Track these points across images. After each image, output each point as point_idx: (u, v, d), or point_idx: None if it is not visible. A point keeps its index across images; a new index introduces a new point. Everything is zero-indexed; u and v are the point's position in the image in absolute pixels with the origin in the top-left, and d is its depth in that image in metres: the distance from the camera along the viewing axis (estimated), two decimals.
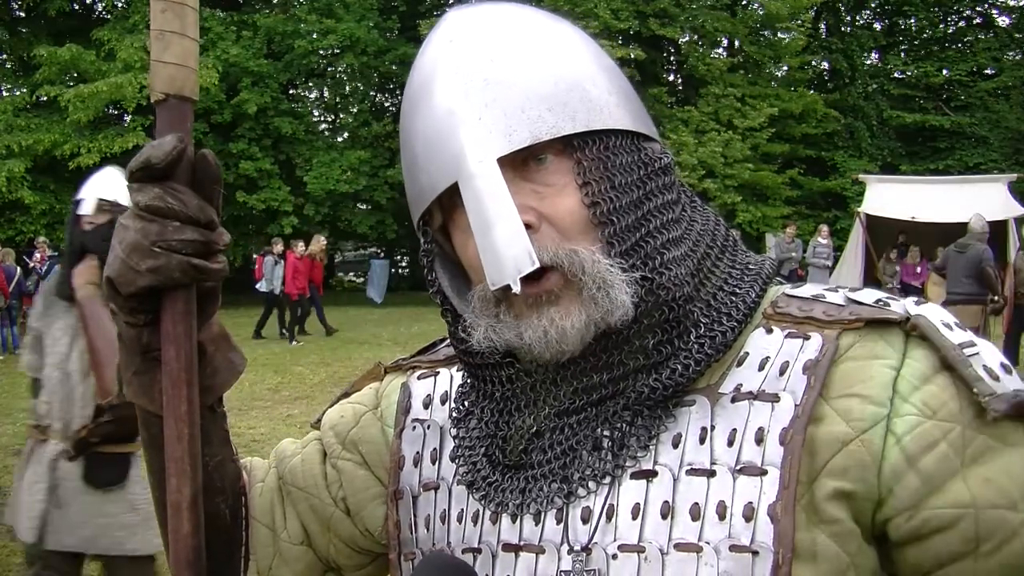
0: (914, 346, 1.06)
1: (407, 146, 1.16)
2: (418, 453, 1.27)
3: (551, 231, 1.08)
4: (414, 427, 1.29)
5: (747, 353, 1.11)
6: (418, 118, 1.13)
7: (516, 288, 1.04)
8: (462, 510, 1.19)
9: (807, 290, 1.17)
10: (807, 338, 1.08)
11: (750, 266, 1.19)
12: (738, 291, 1.15)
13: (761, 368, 1.08)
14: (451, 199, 1.11)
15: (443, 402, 1.30)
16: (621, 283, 1.06)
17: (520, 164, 1.08)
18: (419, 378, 1.35)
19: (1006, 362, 1.05)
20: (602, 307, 1.06)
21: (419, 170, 1.13)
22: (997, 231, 20.26)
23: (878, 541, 1.05)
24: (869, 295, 1.13)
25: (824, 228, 21.64)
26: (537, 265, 1.04)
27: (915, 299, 1.12)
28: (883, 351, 1.05)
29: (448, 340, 1.34)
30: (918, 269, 21.75)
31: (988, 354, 1.05)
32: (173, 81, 1.08)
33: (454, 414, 1.26)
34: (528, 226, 1.06)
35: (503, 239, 1.04)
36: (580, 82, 1.11)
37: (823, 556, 1.00)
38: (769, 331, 1.12)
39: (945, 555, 1.01)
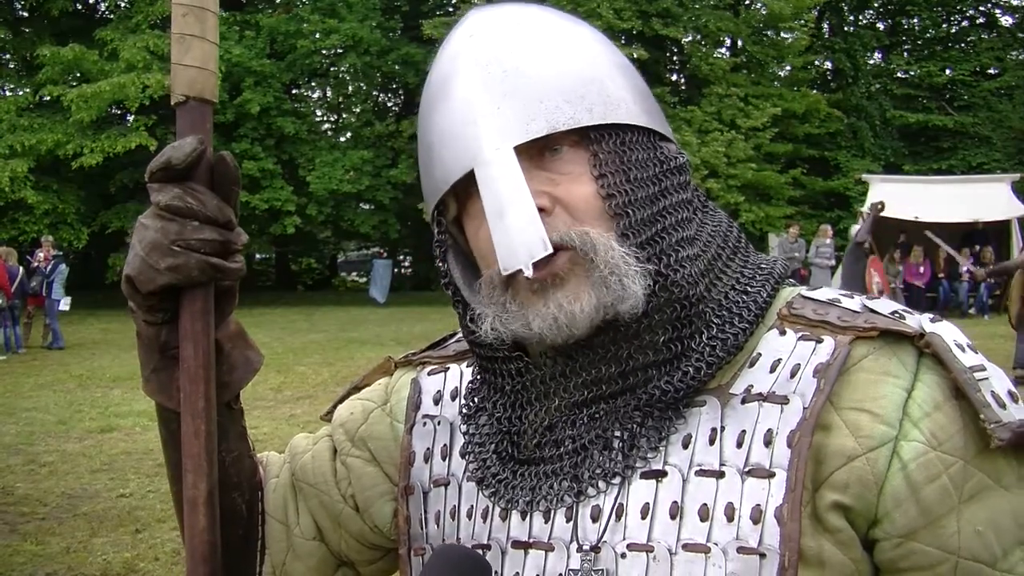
0: (925, 368, 1.05)
1: (424, 138, 1.17)
2: (428, 449, 1.28)
3: (564, 215, 1.09)
4: (424, 423, 1.30)
5: (759, 354, 1.11)
6: (437, 110, 1.14)
7: (528, 272, 1.05)
8: (472, 506, 1.20)
9: (823, 293, 1.16)
10: (820, 341, 1.08)
11: (762, 266, 1.20)
12: (749, 291, 1.15)
13: (772, 370, 1.08)
14: (466, 189, 1.11)
15: (453, 398, 1.31)
16: (635, 273, 1.06)
17: (536, 154, 1.09)
18: (429, 374, 1.35)
19: (1014, 390, 1.05)
20: (614, 292, 1.06)
21: (435, 160, 1.14)
22: (1000, 231, 20.30)
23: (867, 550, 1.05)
24: (886, 305, 1.12)
25: (827, 228, 21.62)
26: (551, 251, 1.04)
27: (931, 316, 1.11)
28: (896, 369, 1.05)
29: (457, 336, 1.36)
30: (921, 269, 21.75)
31: (997, 380, 1.05)
32: (193, 84, 1.09)
33: (464, 410, 1.27)
34: (541, 210, 1.06)
35: (517, 224, 1.05)
36: (598, 77, 1.12)
37: (830, 563, 1.01)
38: (782, 333, 1.12)
39: None
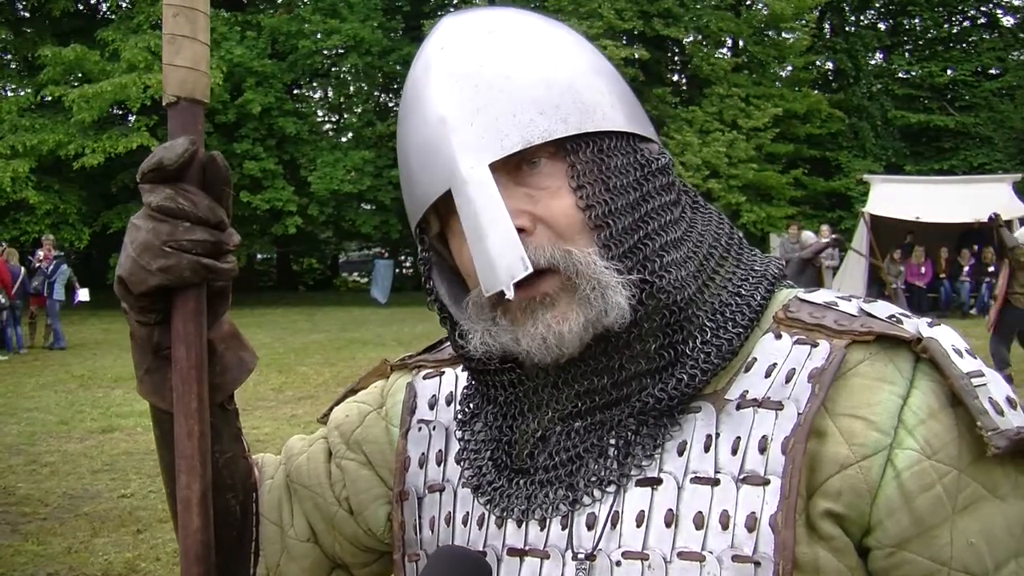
0: (922, 375, 1.04)
1: (403, 155, 1.16)
2: (423, 454, 1.27)
3: (546, 232, 1.07)
4: (419, 428, 1.29)
5: (755, 359, 1.09)
6: (412, 126, 1.12)
7: (510, 294, 1.03)
8: (467, 513, 1.19)
9: (820, 296, 1.15)
10: (815, 345, 1.07)
11: (755, 268, 1.18)
12: (743, 293, 1.14)
13: (768, 375, 1.07)
14: (447, 206, 1.10)
15: (448, 403, 1.30)
16: (617, 285, 1.05)
17: (513, 168, 1.07)
18: (425, 378, 1.35)
19: (1012, 395, 1.04)
20: (596, 308, 1.04)
21: (414, 178, 1.13)
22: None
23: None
24: (883, 309, 1.11)
25: (826, 228, 21.57)
26: (530, 270, 1.03)
27: (928, 320, 1.09)
28: (891, 375, 1.04)
29: None
30: (922, 269, 21.74)
31: (995, 386, 1.03)
32: (184, 84, 1.09)
33: (459, 416, 1.26)
34: (522, 230, 1.05)
35: (496, 245, 1.03)
36: (573, 84, 1.09)
37: (825, 570, 1.00)
38: (778, 336, 1.10)
39: None
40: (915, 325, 1.07)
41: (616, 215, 1.08)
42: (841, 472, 1.01)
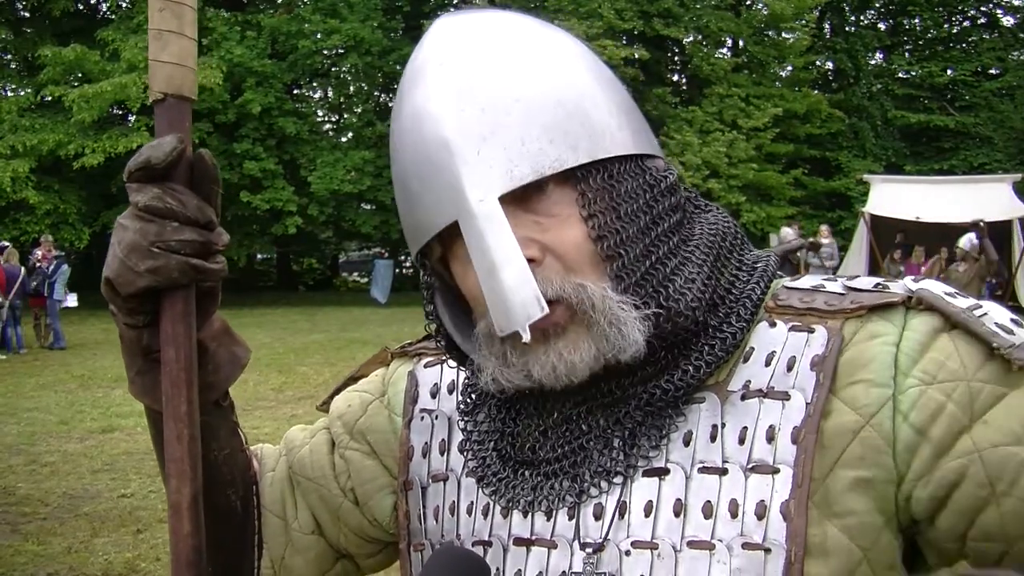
0: (912, 316, 1.05)
1: (399, 176, 1.12)
2: (426, 444, 1.27)
3: (555, 264, 1.05)
4: (422, 417, 1.29)
5: (752, 348, 1.10)
6: (410, 147, 1.09)
7: (526, 337, 1.01)
8: (471, 503, 1.19)
9: (806, 281, 1.15)
10: (811, 331, 1.08)
11: (757, 264, 1.18)
12: (745, 288, 1.14)
13: (768, 363, 1.08)
14: (450, 231, 1.06)
15: (450, 391, 1.29)
16: (634, 320, 1.03)
17: (520, 194, 1.04)
18: (426, 366, 1.34)
19: (1016, 316, 1.06)
20: (614, 344, 1.03)
21: (415, 203, 1.09)
22: (1001, 231, 20.27)
23: (908, 530, 1.04)
24: (867, 281, 1.12)
25: (824, 228, 21.55)
26: (547, 311, 1.01)
27: (912, 277, 1.12)
28: (883, 329, 1.05)
29: None
30: (923, 269, 21.71)
31: (996, 312, 1.05)
32: (171, 80, 1.07)
33: (462, 406, 1.26)
34: (531, 260, 1.02)
35: (510, 284, 1.01)
36: (580, 105, 1.06)
37: (834, 551, 1.00)
38: (772, 324, 1.11)
39: (968, 509, 1.00)
40: (902, 285, 1.10)
41: (627, 244, 1.06)
42: (856, 439, 1.02)
